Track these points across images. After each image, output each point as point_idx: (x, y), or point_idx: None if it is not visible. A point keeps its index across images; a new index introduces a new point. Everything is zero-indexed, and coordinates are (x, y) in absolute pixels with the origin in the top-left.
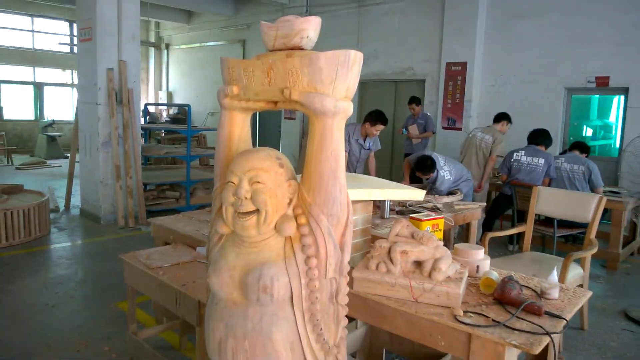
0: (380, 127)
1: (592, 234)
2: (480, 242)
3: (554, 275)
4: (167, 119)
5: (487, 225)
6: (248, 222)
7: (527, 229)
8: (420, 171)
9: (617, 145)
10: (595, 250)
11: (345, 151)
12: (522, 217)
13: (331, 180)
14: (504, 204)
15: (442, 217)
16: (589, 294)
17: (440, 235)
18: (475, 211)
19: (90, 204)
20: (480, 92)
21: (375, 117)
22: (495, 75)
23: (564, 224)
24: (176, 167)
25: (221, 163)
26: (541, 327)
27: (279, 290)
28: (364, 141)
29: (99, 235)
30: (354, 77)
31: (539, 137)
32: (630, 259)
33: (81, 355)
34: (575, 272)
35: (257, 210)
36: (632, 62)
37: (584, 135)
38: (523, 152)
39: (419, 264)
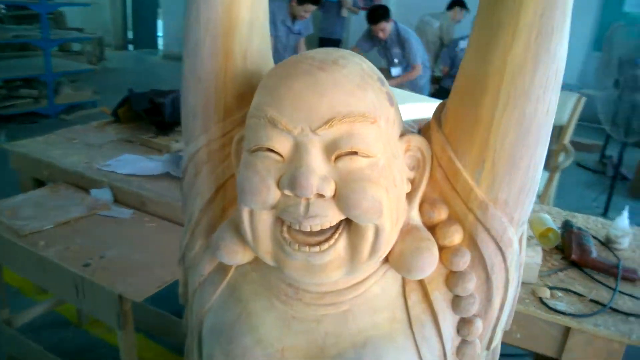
0: (311, 7)
1: (567, 138)
2: None
3: (624, 219)
4: None
5: None
6: (328, 257)
7: None
8: (373, 22)
9: None
10: (572, 158)
11: (271, 36)
12: None
13: (542, 141)
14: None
15: None
16: None
17: None
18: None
19: None
20: None
21: None
22: None
23: None
24: (28, 56)
25: (208, 84)
26: None
27: None
28: (292, 23)
29: None
30: None
31: None
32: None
33: None
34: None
35: (345, 222)
36: None
37: None
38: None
39: None
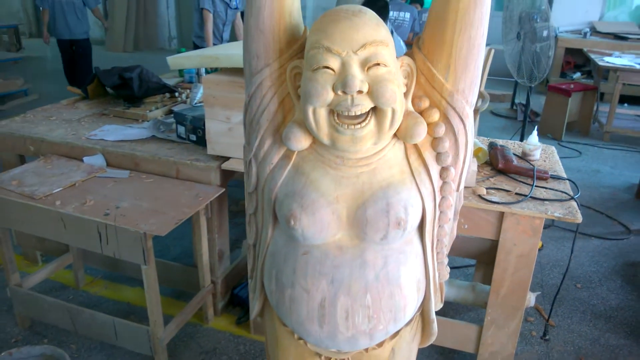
0: None
1: (482, 86)
2: None
3: (535, 136)
4: None
5: None
6: (365, 131)
7: None
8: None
9: None
10: (488, 102)
11: (209, 11)
12: None
13: (481, 53)
14: None
15: None
16: (553, 148)
17: None
18: None
19: None
20: None
21: None
22: None
23: None
24: None
25: (268, 35)
26: (565, 192)
27: (414, 219)
28: None
29: None
30: None
31: None
32: None
33: None
34: None
35: (374, 109)
36: None
37: None
38: (390, 6)
39: None
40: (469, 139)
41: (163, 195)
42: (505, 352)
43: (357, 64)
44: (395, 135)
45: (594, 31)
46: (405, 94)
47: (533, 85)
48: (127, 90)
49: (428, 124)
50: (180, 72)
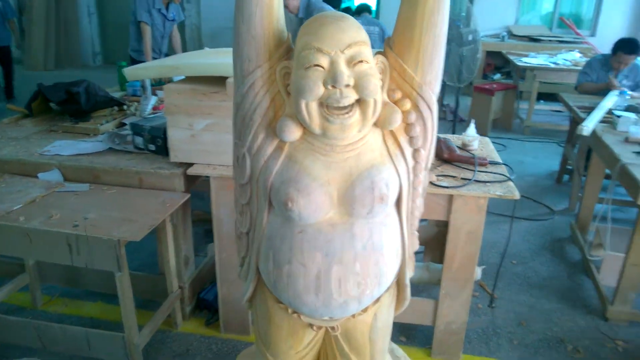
0: None
1: None
2: None
3: (473, 129)
4: None
5: None
6: (352, 120)
7: None
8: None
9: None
10: None
11: (147, 24)
12: None
13: (443, 49)
14: None
15: None
16: (487, 139)
17: None
18: None
19: None
20: None
21: None
22: None
23: None
24: None
25: (259, 40)
26: (502, 174)
27: (394, 194)
28: (167, 9)
29: None
30: None
31: (366, 5)
32: None
33: None
34: None
35: (357, 101)
36: None
37: None
38: (359, 21)
39: None
40: (435, 124)
41: (129, 204)
42: (459, 321)
43: (344, 62)
44: (374, 123)
45: (511, 35)
46: (382, 87)
47: (462, 86)
48: (74, 105)
49: (402, 112)
50: (122, 86)
